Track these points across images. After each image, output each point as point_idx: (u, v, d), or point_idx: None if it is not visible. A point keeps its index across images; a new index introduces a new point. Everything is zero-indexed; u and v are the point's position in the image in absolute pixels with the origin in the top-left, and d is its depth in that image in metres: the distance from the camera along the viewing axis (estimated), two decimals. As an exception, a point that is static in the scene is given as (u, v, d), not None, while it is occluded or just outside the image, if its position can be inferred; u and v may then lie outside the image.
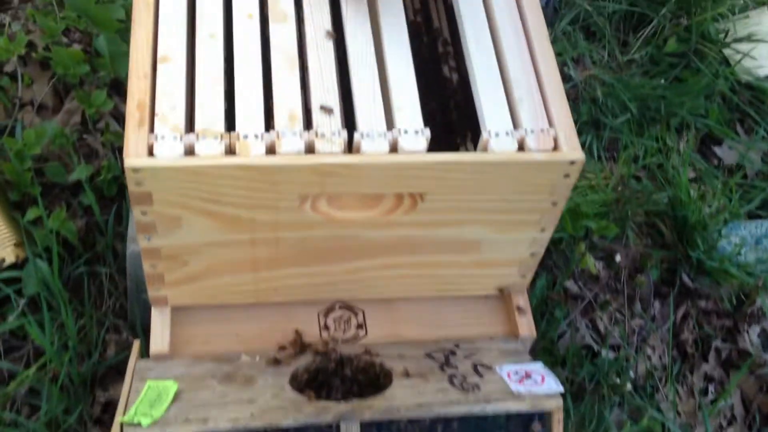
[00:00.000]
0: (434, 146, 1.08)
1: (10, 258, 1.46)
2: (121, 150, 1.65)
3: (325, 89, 1.09)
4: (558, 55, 1.17)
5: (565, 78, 1.96)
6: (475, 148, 1.43)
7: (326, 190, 1.07)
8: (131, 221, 1.48)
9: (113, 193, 1.60)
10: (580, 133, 1.08)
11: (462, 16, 1.20)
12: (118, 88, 1.73)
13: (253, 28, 1.12)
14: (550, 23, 2.01)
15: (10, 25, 1.75)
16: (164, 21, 1.11)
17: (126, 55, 1.60)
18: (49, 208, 1.56)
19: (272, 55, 1.11)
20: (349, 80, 1.11)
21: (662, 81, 1.98)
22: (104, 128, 1.65)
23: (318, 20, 1.15)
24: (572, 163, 1.06)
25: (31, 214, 1.48)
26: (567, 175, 1.08)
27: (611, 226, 1.65)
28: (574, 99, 1.95)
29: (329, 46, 1.12)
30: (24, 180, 1.52)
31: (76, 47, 1.74)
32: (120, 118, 1.70)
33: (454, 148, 1.44)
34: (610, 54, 2.06)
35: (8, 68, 1.70)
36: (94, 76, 1.70)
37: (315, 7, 1.16)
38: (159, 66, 1.08)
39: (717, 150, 1.95)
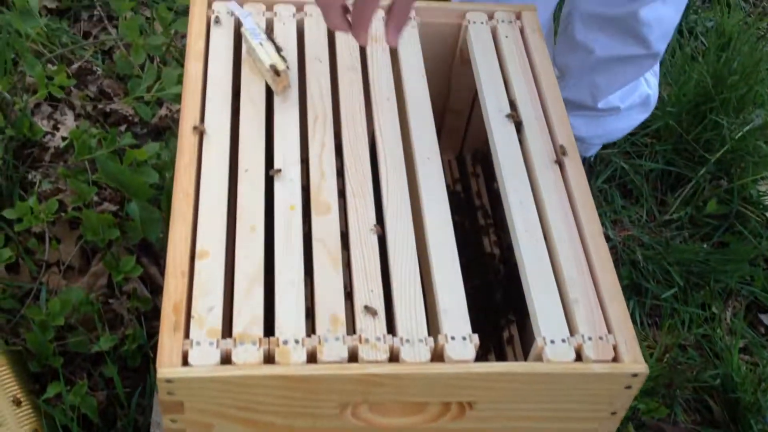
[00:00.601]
0: (477, 330, 1.01)
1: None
2: (147, 317, 1.59)
3: (369, 289, 1.03)
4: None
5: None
6: (519, 334, 1.37)
7: (369, 398, 1.00)
8: (156, 401, 1.41)
9: (137, 364, 1.54)
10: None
11: (510, 205, 1.14)
12: (147, 249, 1.69)
13: (295, 221, 1.08)
14: (586, 180, 1.98)
15: (40, 183, 1.72)
16: (204, 213, 1.07)
17: (158, 221, 1.57)
18: (69, 379, 1.49)
19: (314, 251, 1.06)
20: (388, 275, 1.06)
21: (704, 245, 1.92)
22: (131, 292, 1.60)
23: (362, 210, 1.11)
24: (635, 375, 0.99)
25: (52, 390, 1.41)
26: (629, 387, 1.01)
27: (661, 408, 1.56)
28: (614, 261, 1.89)
29: (373, 241, 1.07)
30: (46, 351, 1.46)
31: (107, 206, 1.71)
32: (148, 280, 1.65)
33: (498, 331, 1.38)
34: (648, 213, 2.02)
35: (36, 228, 1.66)
36: (124, 237, 1.66)
37: (359, 197, 1.12)
38: (197, 262, 1.03)
39: (763, 318, 1.87)
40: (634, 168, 2.06)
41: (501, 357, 1.36)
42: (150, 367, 1.51)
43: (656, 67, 1.84)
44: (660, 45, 1.65)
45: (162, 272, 1.66)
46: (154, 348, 1.53)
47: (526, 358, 1.30)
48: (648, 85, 1.84)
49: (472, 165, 1.60)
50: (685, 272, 1.87)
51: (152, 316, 1.59)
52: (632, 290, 1.85)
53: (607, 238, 1.93)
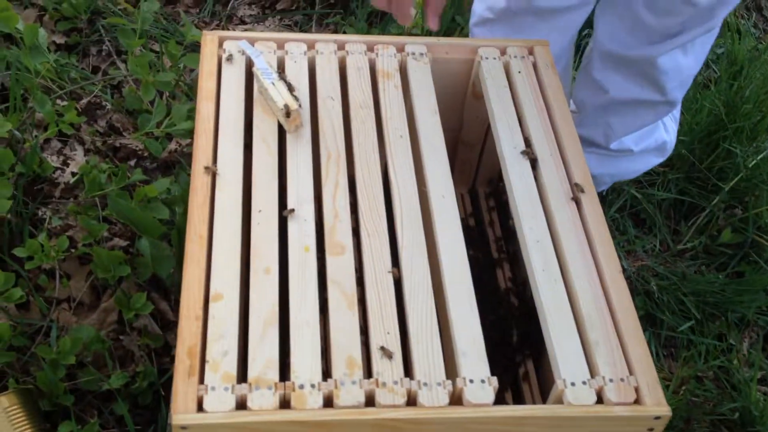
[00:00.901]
0: (493, 366, 1.00)
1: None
2: (158, 353, 1.58)
3: (385, 330, 1.02)
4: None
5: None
6: (536, 369, 1.35)
7: (387, 443, 0.98)
8: (168, 442, 1.40)
9: (148, 401, 1.52)
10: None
11: (527, 244, 1.13)
12: (158, 284, 1.67)
13: (309, 262, 1.07)
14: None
15: (50, 219, 1.72)
16: (218, 256, 1.06)
17: (168, 257, 1.56)
18: (80, 417, 1.47)
19: (329, 292, 1.04)
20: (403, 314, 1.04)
21: (720, 275, 1.90)
22: (142, 329, 1.59)
23: (377, 251, 1.10)
24: (657, 418, 0.97)
25: (63, 429, 1.39)
26: (651, 429, 0.99)
27: (680, 444, 1.53)
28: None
29: (389, 282, 1.06)
30: (57, 390, 1.44)
31: (118, 241, 1.70)
32: (158, 316, 1.64)
33: (515, 367, 1.36)
34: (661, 243, 2.00)
35: (46, 265, 1.65)
36: (134, 273, 1.64)
37: (373, 236, 1.11)
38: (211, 305, 1.02)
39: (780, 348, 1.85)
40: (646, 197, 2.04)
41: (517, 394, 1.34)
42: (162, 404, 1.49)
43: (676, 113, 1.81)
44: (677, 93, 1.62)
45: (173, 308, 1.65)
46: (165, 385, 1.52)
47: (542, 395, 1.28)
48: (666, 130, 1.80)
49: (485, 198, 1.58)
50: (700, 303, 1.85)
51: (163, 352, 1.58)
52: (647, 321, 1.82)
53: (622, 269, 1.91)
